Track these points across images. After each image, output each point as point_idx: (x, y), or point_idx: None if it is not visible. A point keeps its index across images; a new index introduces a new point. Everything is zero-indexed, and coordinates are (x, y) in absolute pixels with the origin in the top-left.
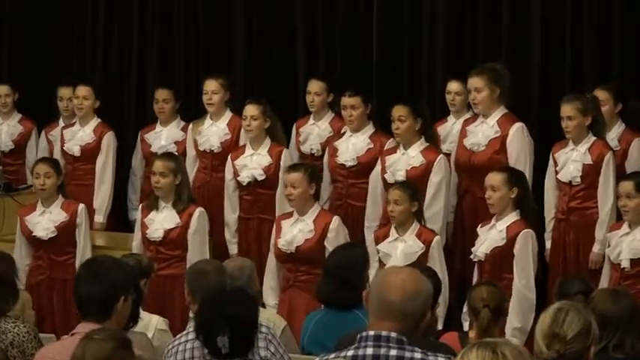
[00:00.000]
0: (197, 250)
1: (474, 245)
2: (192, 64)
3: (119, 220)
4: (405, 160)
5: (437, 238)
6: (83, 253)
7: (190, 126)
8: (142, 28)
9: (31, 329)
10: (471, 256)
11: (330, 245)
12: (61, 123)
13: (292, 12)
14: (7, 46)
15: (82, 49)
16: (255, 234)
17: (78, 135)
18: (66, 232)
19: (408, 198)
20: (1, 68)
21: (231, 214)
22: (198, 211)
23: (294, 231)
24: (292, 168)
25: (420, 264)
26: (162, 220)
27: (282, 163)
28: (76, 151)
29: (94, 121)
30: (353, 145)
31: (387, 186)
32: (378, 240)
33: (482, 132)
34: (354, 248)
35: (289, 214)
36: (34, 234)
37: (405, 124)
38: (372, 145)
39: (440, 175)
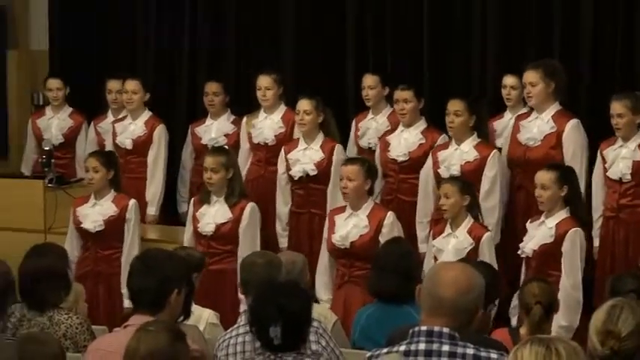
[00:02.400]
0: (248, 245)
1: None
2: (243, 58)
3: (168, 213)
4: (458, 155)
5: (487, 234)
6: (130, 248)
7: (244, 119)
8: (192, 19)
9: (83, 321)
10: (519, 252)
11: (384, 240)
12: (110, 115)
13: (342, 5)
14: (60, 41)
15: (134, 43)
16: (306, 228)
17: (130, 128)
18: (114, 227)
19: (458, 191)
20: (53, 62)
21: (282, 207)
22: (250, 206)
23: (348, 226)
24: (350, 161)
25: (470, 260)
26: (213, 215)
27: (334, 158)
28: (128, 144)
29: (145, 114)
30: (405, 140)
31: (439, 181)
32: (434, 235)
33: (538, 127)
34: (403, 243)
35: (342, 209)
36: (82, 226)
37: (460, 119)
38: (423, 141)
39: (494, 170)
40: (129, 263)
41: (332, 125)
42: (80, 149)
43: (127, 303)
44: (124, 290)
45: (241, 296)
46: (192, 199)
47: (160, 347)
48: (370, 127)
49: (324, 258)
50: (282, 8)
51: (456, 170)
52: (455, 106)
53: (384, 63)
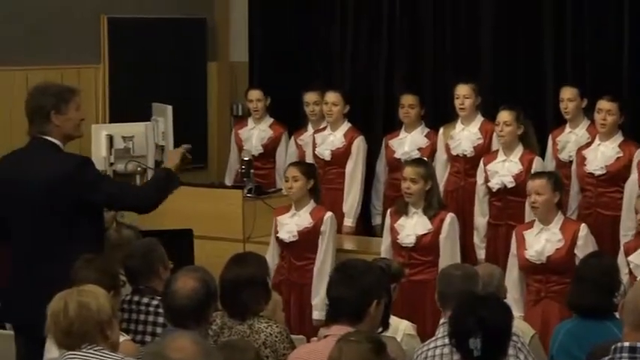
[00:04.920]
0: (448, 256)
1: None
2: (440, 69)
3: (362, 224)
4: None
5: None
6: (323, 261)
7: (441, 130)
8: (390, 32)
9: (283, 330)
10: None
11: (580, 253)
12: (310, 128)
13: (540, 16)
14: (259, 52)
15: (331, 55)
16: (503, 240)
17: (329, 139)
18: (307, 238)
19: None
20: (252, 74)
21: (480, 219)
22: (450, 217)
23: (541, 241)
24: (536, 175)
25: None
26: (413, 226)
27: (532, 171)
28: (327, 155)
29: (345, 126)
30: (602, 154)
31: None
32: (628, 251)
33: None
34: (606, 257)
35: (529, 225)
36: (278, 235)
37: None
38: (621, 154)
39: None
40: (320, 275)
41: (532, 137)
42: (280, 159)
43: (316, 315)
44: (314, 301)
45: None
46: (389, 210)
47: (362, 357)
48: (570, 140)
49: (513, 273)
50: (480, 18)
51: None
52: None
53: (582, 75)
